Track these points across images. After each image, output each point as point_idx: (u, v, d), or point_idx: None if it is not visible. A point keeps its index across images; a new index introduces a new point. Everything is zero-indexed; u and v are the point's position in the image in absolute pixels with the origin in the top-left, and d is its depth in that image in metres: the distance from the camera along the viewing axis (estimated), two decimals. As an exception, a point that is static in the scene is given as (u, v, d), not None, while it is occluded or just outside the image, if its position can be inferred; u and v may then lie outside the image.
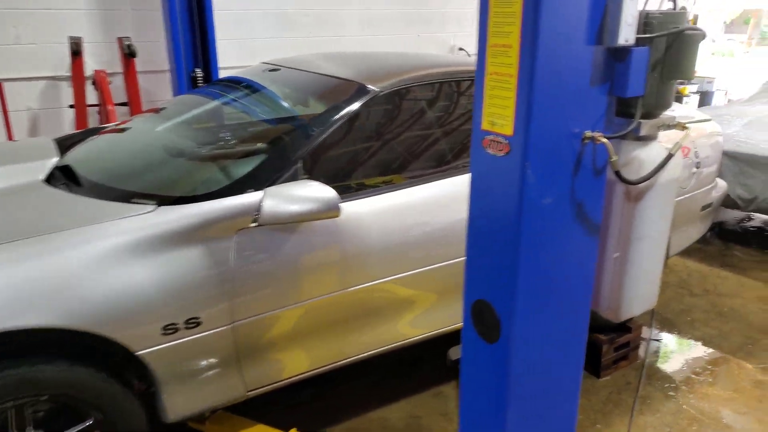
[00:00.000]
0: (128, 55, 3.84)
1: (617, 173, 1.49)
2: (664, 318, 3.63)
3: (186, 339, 1.92)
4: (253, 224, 2.00)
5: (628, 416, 2.76)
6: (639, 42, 1.44)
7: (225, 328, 2.00)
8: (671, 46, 1.49)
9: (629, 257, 1.62)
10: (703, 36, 1.51)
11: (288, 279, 2.07)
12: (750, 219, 5.33)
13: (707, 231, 3.60)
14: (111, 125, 3.18)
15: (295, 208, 1.97)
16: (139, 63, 4.22)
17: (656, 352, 3.24)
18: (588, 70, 1.42)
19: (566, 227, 1.51)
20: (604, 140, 1.45)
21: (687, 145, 3.08)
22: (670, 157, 1.53)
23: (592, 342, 3.04)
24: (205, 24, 3.88)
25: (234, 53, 4.40)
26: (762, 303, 3.79)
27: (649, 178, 1.51)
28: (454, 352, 1.86)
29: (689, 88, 6.95)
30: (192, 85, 3.90)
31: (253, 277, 2.01)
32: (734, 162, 4.30)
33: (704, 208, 3.31)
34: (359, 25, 4.98)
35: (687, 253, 4.50)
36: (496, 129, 1.44)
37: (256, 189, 2.05)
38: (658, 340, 3.36)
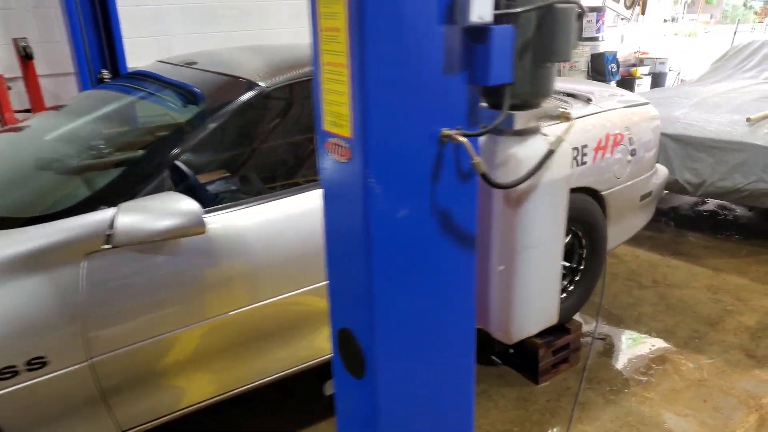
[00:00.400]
0: (25, 57, 3.54)
1: (484, 177, 1.27)
2: (611, 313, 3.45)
3: (30, 382, 1.67)
4: (107, 246, 1.75)
5: (566, 426, 2.57)
6: (500, 19, 1.21)
7: (80, 366, 1.75)
8: (542, 24, 1.26)
9: (516, 270, 1.41)
10: (577, 10, 1.30)
11: (151, 307, 1.82)
12: (704, 203, 5.19)
13: (650, 220, 3.42)
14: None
15: (152, 225, 1.72)
16: (44, 65, 3.90)
17: (600, 352, 3.06)
18: (440, 56, 1.19)
19: (431, 242, 1.29)
20: (462, 139, 1.22)
21: (621, 132, 2.89)
22: (550, 154, 1.31)
23: (527, 347, 2.85)
24: (110, 21, 3.59)
25: (148, 51, 4.09)
26: (710, 292, 3.63)
27: (523, 181, 1.30)
28: (329, 386, 1.65)
29: (641, 70, 6.80)
30: (100, 88, 3.62)
31: (109, 306, 1.76)
32: (681, 146, 4.14)
33: (644, 197, 3.12)
34: (288, 18, 4.71)
35: (638, 241, 4.34)
36: (336, 130, 1.21)
37: (112, 204, 1.79)
38: (602, 338, 3.18)
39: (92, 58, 3.63)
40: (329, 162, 1.26)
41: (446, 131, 1.23)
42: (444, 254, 1.32)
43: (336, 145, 1.21)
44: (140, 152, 2.05)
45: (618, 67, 6.44)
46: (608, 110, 2.97)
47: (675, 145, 4.16)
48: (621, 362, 2.98)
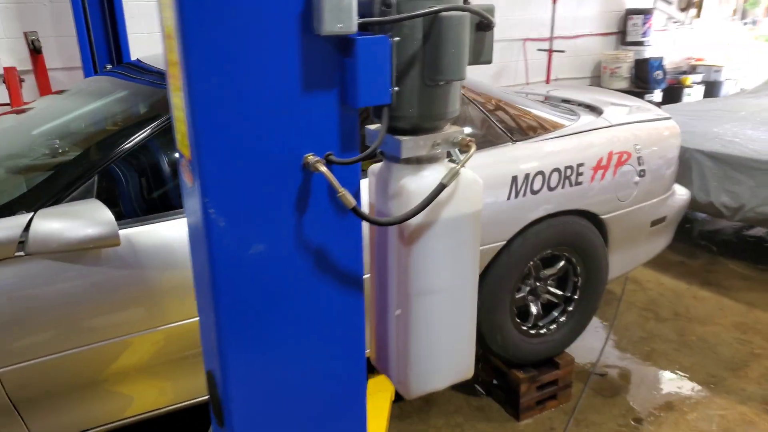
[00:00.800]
0: (34, 50, 3.56)
1: (355, 212, 1.07)
2: (620, 347, 3.13)
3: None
4: (20, 254, 1.65)
5: (540, 475, 2.32)
6: (371, 29, 1.02)
7: (-14, 377, 1.66)
8: (428, 36, 1.05)
9: (412, 317, 1.19)
10: (481, 19, 1.08)
11: (64, 319, 1.71)
12: (750, 227, 4.71)
13: (665, 246, 3.08)
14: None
15: (66, 234, 1.61)
16: (58, 59, 3.93)
17: (596, 391, 2.76)
18: (298, 70, 1.00)
19: (301, 282, 1.10)
20: (322, 168, 1.03)
21: (627, 150, 2.59)
22: (441, 189, 1.09)
23: (509, 380, 2.60)
24: (115, 16, 3.57)
25: (156, 47, 4.06)
26: (738, 331, 3.24)
27: (405, 219, 1.08)
28: (213, 432, 1.49)
29: (692, 78, 6.27)
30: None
31: (19, 316, 1.67)
32: (719, 165, 3.73)
33: (656, 223, 2.80)
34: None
35: (665, 266, 3.96)
36: (184, 150, 1.04)
37: (32, 210, 1.70)
38: (602, 375, 2.88)
39: (98, 52, 3.63)
40: (185, 187, 1.09)
41: (309, 158, 1.04)
42: (320, 296, 1.13)
43: (185, 167, 1.04)
44: (74, 154, 1.96)
45: (664, 74, 5.96)
46: (616, 125, 2.68)
47: (712, 164, 3.76)
48: (618, 405, 2.68)
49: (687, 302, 3.57)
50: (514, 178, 2.27)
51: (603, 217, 2.54)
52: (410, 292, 1.17)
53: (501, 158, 2.31)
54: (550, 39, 5.51)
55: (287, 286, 1.10)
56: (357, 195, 1.14)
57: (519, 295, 2.50)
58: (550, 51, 5.52)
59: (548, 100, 3.26)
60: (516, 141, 2.40)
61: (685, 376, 2.87)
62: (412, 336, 1.20)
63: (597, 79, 6.27)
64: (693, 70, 6.59)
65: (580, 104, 3.07)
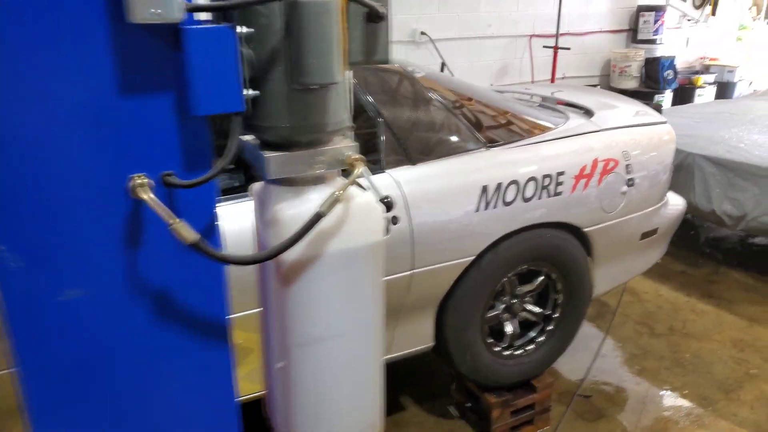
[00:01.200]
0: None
1: (196, 247, 0.88)
2: (609, 364, 2.96)
3: None
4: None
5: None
6: (217, 17, 0.86)
7: None
8: (291, 26, 0.88)
9: (292, 372, 1.02)
10: (362, 8, 0.91)
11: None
12: (755, 235, 4.48)
13: (662, 256, 2.89)
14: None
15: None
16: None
17: (578, 413, 2.60)
18: (114, 68, 0.83)
19: (139, 335, 0.94)
20: (144, 196, 0.86)
21: (615, 157, 2.41)
22: (316, 219, 0.92)
23: (482, 404, 2.44)
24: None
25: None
26: (735, 349, 3.05)
27: (270, 257, 0.91)
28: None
29: (704, 78, 5.99)
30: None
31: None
32: (722, 171, 3.52)
33: (646, 235, 2.61)
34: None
35: (665, 276, 3.77)
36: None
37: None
38: (586, 397, 2.71)
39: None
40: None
41: (135, 180, 0.87)
42: (168, 350, 0.96)
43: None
44: None
45: (675, 74, 5.70)
46: (604, 129, 2.50)
47: (715, 170, 3.55)
48: (601, 430, 2.52)
49: (685, 316, 3.38)
50: (484, 188, 2.11)
51: (586, 229, 2.37)
52: (289, 342, 1.00)
53: (470, 166, 2.16)
54: (556, 36, 5.30)
55: (118, 340, 0.92)
56: (211, 224, 0.96)
57: (492, 314, 2.34)
58: (556, 48, 5.30)
59: (544, 101, 3.08)
60: (490, 146, 2.24)
61: (675, 398, 2.69)
62: (295, 393, 1.02)
63: (606, 78, 6.03)
64: (706, 70, 6.31)
65: (574, 106, 2.89)
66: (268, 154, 0.94)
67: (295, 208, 0.96)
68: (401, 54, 4.88)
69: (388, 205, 1.93)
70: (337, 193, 0.94)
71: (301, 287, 0.97)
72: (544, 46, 5.45)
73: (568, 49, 5.36)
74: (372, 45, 0.97)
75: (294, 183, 0.98)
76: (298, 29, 0.87)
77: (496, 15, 5.22)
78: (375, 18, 0.94)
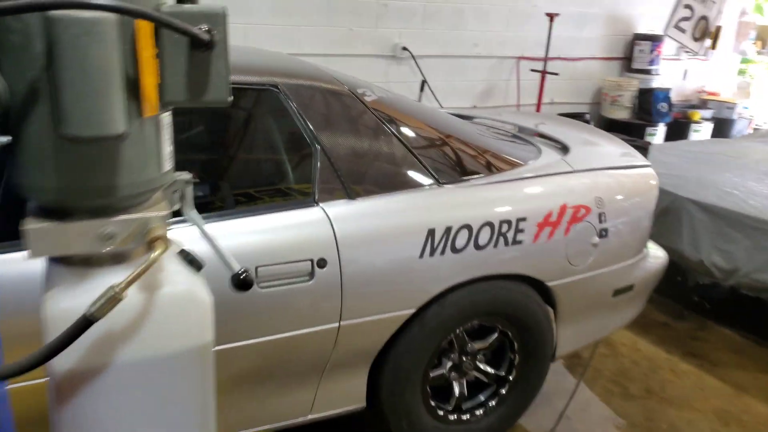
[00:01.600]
0: None
1: None
2: (573, 430, 2.63)
3: None
4: None
5: None
6: None
7: None
8: (51, 51, 0.60)
9: None
10: (181, 31, 0.63)
11: None
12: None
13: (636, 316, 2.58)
14: None
15: None
16: None
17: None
18: None
19: None
20: None
21: (586, 203, 2.11)
22: (85, 325, 0.60)
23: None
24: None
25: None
26: (719, 421, 2.73)
27: (16, 373, 0.60)
28: None
29: (702, 113, 5.72)
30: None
31: None
32: (712, 218, 3.23)
33: (619, 292, 2.31)
34: (271, 14, 4.16)
35: (645, 328, 3.46)
36: None
37: None
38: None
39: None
40: None
41: None
42: None
43: None
44: None
45: (670, 107, 5.43)
46: (578, 171, 2.20)
47: (704, 217, 3.25)
48: None
49: (663, 376, 3.06)
50: (431, 231, 1.80)
51: (549, 284, 2.06)
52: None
53: (417, 204, 1.85)
54: (545, 59, 5.03)
55: None
56: None
57: (437, 373, 2.03)
58: (543, 72, 5.04)
59: (520, 131, 2.78)
60: (443, 183, 1.93)
61: (644, 479, 2.37)
62: None
63: (597, 106, 5.76)
64: (704, 104, 6.05)
65: (550, 139, 2.59)
66: (29, 225, 0.64)
67: (71, 300, 0.65)
68: (380, 70, 4.59)
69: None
70: (117, 288, 0.63)
71: (80, 407, 0.65)
72: (532, 70, 5.18)
73: (557, 74, 5.10)
74: (202, 81, 0.68)
75: (76, 262, 0.67)
76: (54, 57, 0.60)
77: (483, 34, 4.95)
78: (200, 44, 0.66)
